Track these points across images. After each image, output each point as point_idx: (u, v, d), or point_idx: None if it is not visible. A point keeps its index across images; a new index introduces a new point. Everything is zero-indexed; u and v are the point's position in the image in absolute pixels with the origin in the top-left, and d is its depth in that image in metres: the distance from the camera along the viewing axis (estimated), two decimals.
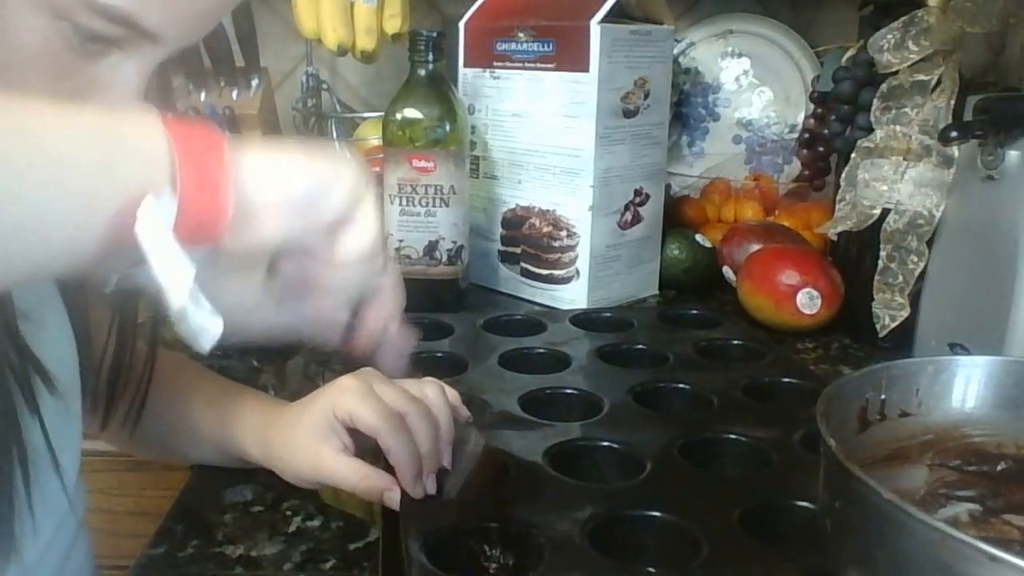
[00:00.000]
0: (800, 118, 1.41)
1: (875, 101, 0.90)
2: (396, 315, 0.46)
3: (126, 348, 0.60)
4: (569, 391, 0.72)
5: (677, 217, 1.23)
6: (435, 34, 0.97)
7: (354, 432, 0.58)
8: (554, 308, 1.03)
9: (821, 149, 1.19)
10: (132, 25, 0.41)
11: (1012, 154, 0.75)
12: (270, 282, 0.40)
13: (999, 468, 0.47)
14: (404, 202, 0.99)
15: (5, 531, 0.47)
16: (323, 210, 0.39)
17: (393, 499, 0.54)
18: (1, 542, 0.47)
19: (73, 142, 0.33)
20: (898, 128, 0.88)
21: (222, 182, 0.35)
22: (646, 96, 1.03)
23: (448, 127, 0.98)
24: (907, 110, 0.88)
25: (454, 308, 1.00)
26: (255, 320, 0.41)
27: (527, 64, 1.03)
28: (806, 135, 1.23)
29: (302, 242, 0.39)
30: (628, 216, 1.06)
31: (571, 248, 1.03)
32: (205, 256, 0.36)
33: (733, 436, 0.64)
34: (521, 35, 1.03)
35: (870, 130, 0.90)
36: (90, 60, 0.42)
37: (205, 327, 0.36)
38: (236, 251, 0.37)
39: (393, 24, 1.25)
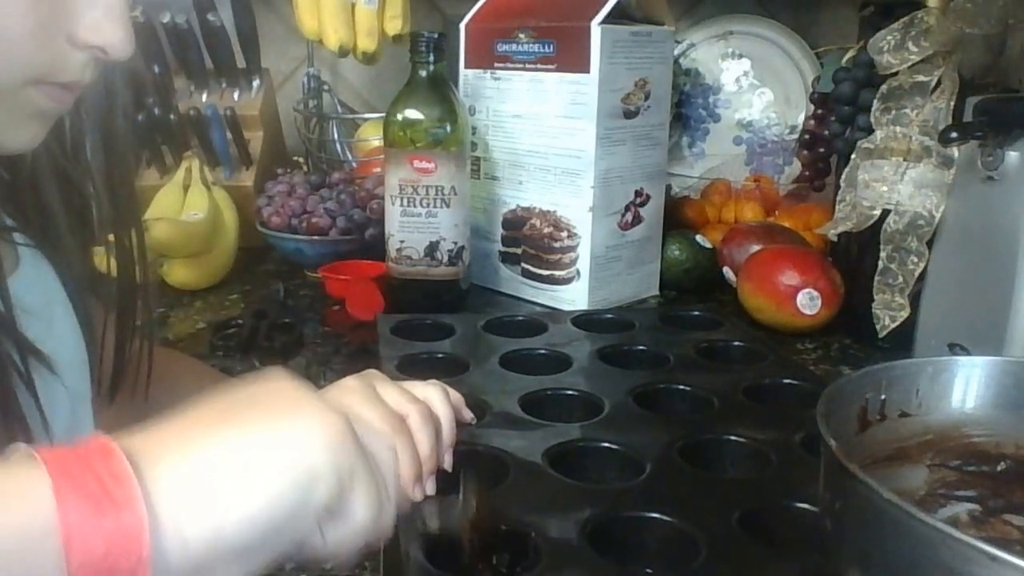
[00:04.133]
0: (800, 119, 1.42)
1: (875, 102, 0.90)
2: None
3: (125, 346, 0.60)
4: (570, 392, 0.73)
5: (677, 218, 1.24)
6: (436, 35, 0.97)
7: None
8: (555, 309, 1.03)
9: (821, 150, 1.19)
10: None
11: (1012, 155, 0.75)
12: None
13: (999, 468, 0.47)
14: (405, 203, 0.99)
15: None
16: (295, 532, 0.32)
17: None
18: None
19: None
20: (898, 129, 0.88)
21: (136, 574, 0.27)
22: (647, 97, 1.03)
23: (449, 128, 0.98)
24: (907, 111, 0.88)
25: (455, 309, 1.00)
26: None
27: (528, 65, 1.03)
28: (806, 136, 1.23)
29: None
30: (629, 217, 1.06)
31: (572, 249, 1.03)
32: None
33: (733, 437, 0.64)
34: (522, 36, 1.03)
35: (870, 131, 0.90)
36: None
37: None
38: None
39: (394, 25, 1.26)
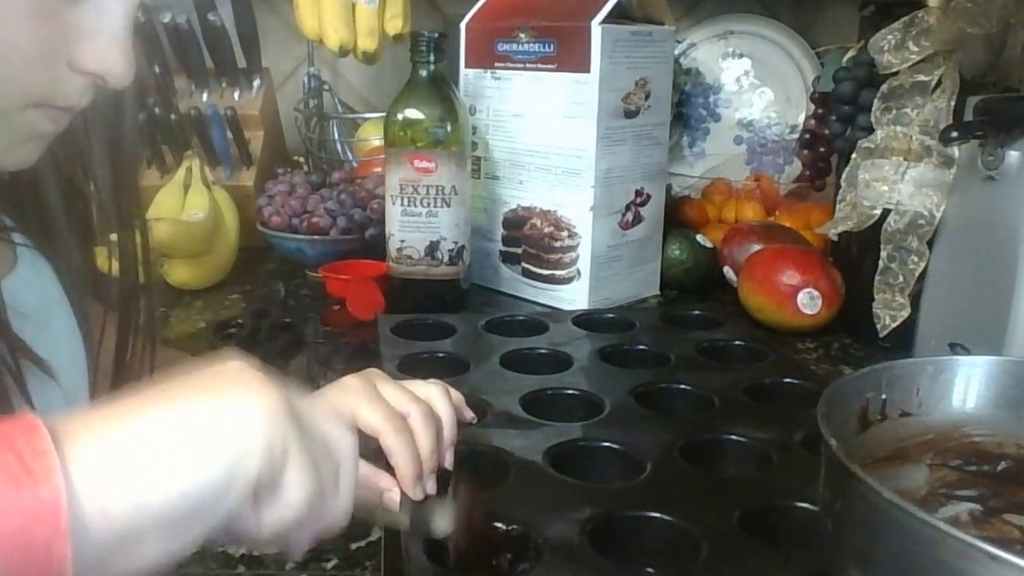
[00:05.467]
0: (801, 118, 1.42)
1: (875, 101, 0.90)
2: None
3: (127, 346, 0.60)
4: (570, 391, 0.73)
5: (678, 217, 1.24)
6: (436, 35, 0.97)
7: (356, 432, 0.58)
8: (555, 308, 1.03)
9: (822, 149, 1.19)
10: None
11: (1012, 154, 0.75)
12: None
13: (999, 468, 0.47)
14: (406, 202, 0.99)
15: None
16: (223, 508, 0.32)
17: (393, 500, 0.54)
18: None
19: None
20: (899, 128, 0.88)
21: (55, 544, 0.28)
22: (647, 97, 1.03)
23: (449, 127, 0.98)
24: (907, 110, 0.88)
25: (456, 308, 1.00)
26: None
27: (528, 65, 1.03)
28: (807, 135, 1.23)
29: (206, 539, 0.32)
30: (629, 216, 1.06)
31: (572, 248, 1.03)
32: None
33: (734, 437, 0.64)
34: (522, 36, 1.03)
35: (871, 130, 0.90)
36: (71, 2, 0.41)
37: None
38: None
39: (395, 25, 1.26)
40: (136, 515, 0.30)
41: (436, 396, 0.58)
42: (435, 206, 0.99)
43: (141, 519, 0.30)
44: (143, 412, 0.32)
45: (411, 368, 0.76)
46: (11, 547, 0.28)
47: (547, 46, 1.01)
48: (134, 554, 0.31)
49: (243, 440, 0.32)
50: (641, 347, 0.84)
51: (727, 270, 1.11)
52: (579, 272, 1.03)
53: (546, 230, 1.05)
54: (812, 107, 1.23)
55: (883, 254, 0.89)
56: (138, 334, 0.60)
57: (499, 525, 0.51)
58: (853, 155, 0.92)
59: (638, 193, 1.06)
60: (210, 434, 0.32)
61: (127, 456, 0.31)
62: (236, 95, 1.31)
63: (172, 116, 1.22)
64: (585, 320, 0.92)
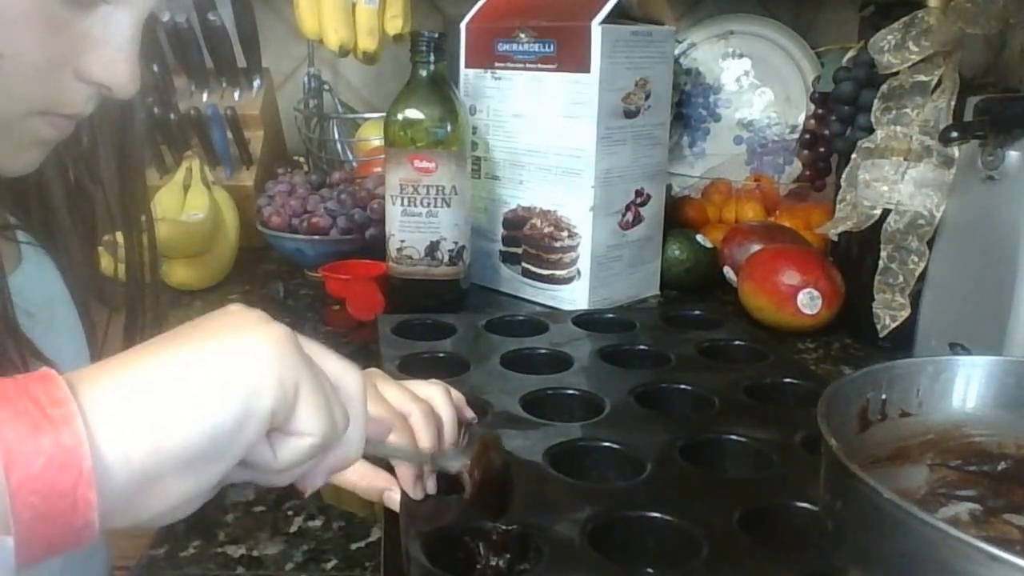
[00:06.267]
0: (801, 119, 1.42)
1: (876, 102, 0.90)
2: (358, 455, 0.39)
3: (132, 345, 0.60)
4: (571, 391, 0.73)
5: (678, 217, 1.24)
6: (436, 35, 0.97)
7: None
8: (555, 308, 1.03)
9: (822, 150, 1.19)
10: None
11: (1012, 154, 0.75)
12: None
13: (999, 468, 0.47)
14: (406, 202, 0.99)
15: None
16: (239, 445, 0.32)
17: (393, 499, 0.54)
18: None
19: None
20: (899, 128, 0.88)
21: (79, 489, 0.28)
22: (647, 97, 1.03)
23: (449, 127, 0.98)
24: (907, 111, 0.88)
25: (456, 308, 1.00)
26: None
27: (528, 65, 1.03)
28: (807, 136, 1.23)
29: (224, 479, 0.33)
30: (629, 216, 1.06)
31: (572, 248, 1.03)
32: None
33: (734, 437, 0.64)
34: (522, 36, 1.03)
35: (871, 131, 0.90)
36: (80, 12, 0.42)
37: None
38: (128, 527, 0.31)
39: (395, 25, 1.26)
40: (156, 456, 0.30)
41: (437, 396, 0.58)
42: (435, 206, 0.99)
43: (161, 460, 0.30)
44: (155, 357, 0.33)
45: (411, 368, 0.76)
46: (34, 493, 0.28)
47: (547, 46, 1.01)
48: (156, 496, 0.31)
49: (255, 377, 0.33)
50: (641, 347, 0.84)
51: (727, 270, 1.11)
52: (579, 272, 1.03)
53: (546, 230, 1.05)
54: (812, 107, 1.23)
55: (883, 254, 0.89)
56: (145, 334, 0.60)
57: (499, 525, 0.51)
58: (853, 155, 0.92)
59: (638, 193, 1.06)
60: (223, 373, 0.32)
61: (143, 400, 0.31)
62: (236, 95, 1.31)
63: (172, 116, 1.22)
64: (585, 320, 0.92)
